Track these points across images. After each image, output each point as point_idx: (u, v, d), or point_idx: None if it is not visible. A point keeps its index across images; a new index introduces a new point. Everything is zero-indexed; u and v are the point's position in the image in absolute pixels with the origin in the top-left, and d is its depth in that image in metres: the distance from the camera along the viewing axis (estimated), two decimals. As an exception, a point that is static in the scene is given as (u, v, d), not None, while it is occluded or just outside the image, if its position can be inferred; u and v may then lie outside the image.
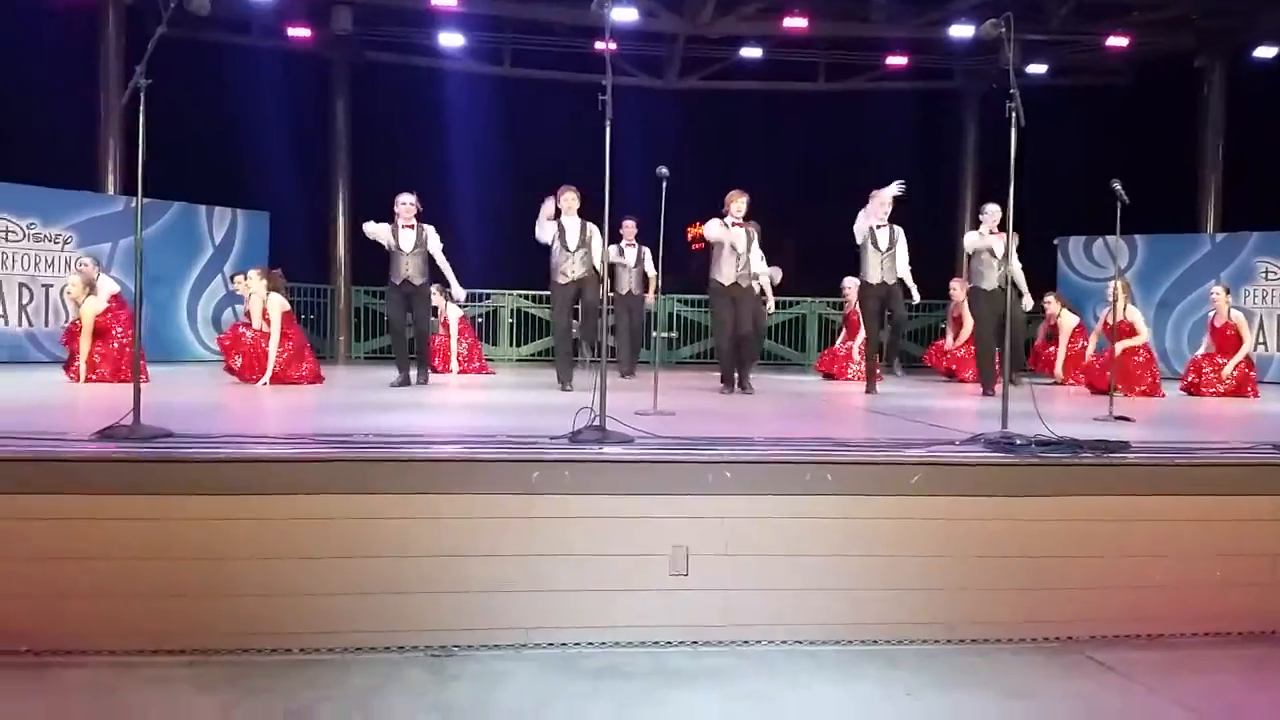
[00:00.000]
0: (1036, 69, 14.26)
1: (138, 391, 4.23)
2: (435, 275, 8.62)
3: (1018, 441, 4.29)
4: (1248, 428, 6.34)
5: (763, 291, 9.95)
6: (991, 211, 8.38)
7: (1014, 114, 4.77)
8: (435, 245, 8.43)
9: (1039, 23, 13.17)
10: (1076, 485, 3.98)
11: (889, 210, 8.38)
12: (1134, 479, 4.04)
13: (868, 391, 8.55)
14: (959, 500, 3.88)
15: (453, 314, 10.88)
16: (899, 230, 8.51)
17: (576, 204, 8.14)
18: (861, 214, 8.39)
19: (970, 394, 8.94)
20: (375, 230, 8.39)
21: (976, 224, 8.57)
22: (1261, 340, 11.94)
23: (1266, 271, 11.99)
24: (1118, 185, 6.74)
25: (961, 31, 13.26)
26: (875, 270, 8.41)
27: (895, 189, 8.32)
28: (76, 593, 3.44)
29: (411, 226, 8.36)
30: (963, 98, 15.97)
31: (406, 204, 8.35)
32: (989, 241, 8.35)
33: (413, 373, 8.54)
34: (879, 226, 8.38)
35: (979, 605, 3.82)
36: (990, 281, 8.33)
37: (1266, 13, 12.86)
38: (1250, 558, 4.00)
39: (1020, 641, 3.80)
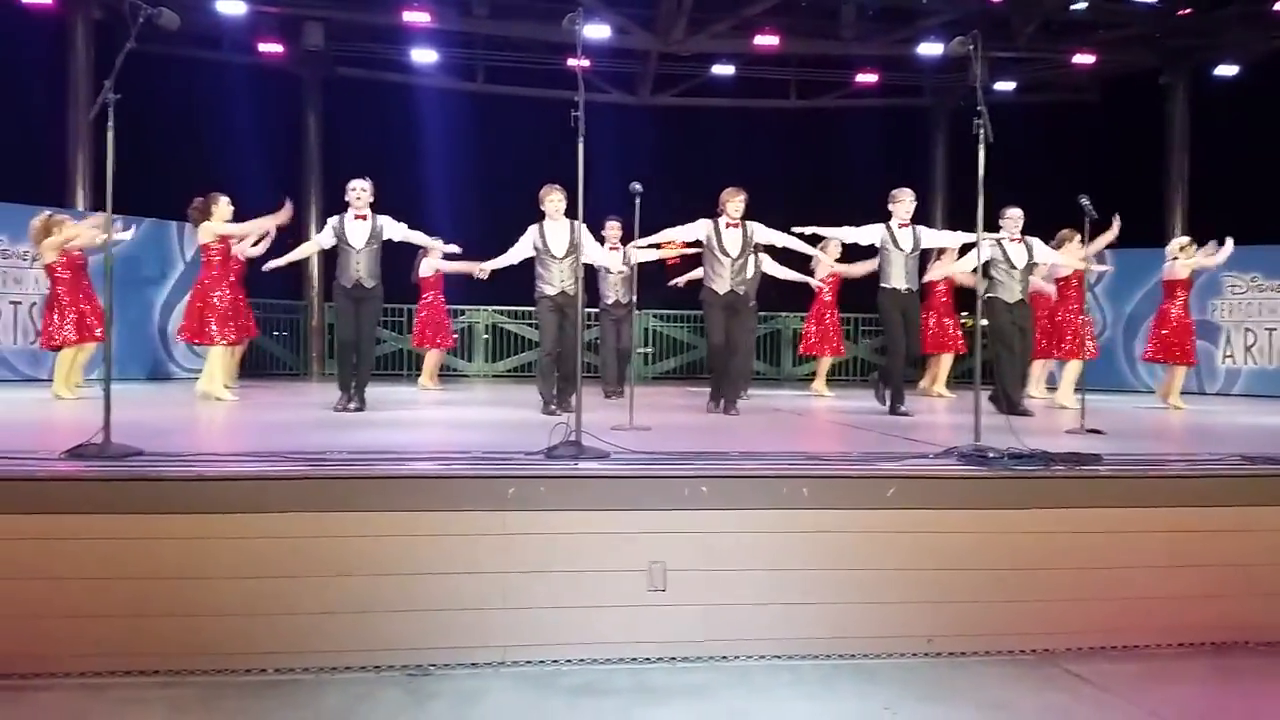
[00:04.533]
0: (1004, 86, 14.43)
1: (108, 410, 4.18)
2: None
3: (991, 455, 4.33)
4: (1217, 440, 6.42)
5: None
6: (1013, 215, 7.92)
7: (982, 130, 4.82)
8: (397, 231, 7.29)
9: (1006, 41, 13.33)
10: (1050, 498, 4.01)
11: (910, 210, 7.81)
12: (1106, 491, 4.08)
13: (893, 413, 7.53)
14: (934, 513, 3.90)
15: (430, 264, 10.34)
16: (922, 230, 7.87)
17: (563, 205, 7.16)
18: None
19: (942, 407, 8.99)
20: (322, 235, 7.34)
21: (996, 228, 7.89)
22: (1229, 354, 12.11)
23: (1231, 286, 12.16)
24: (1085, 201, 6.80)
25: (930, 49, 13.40)
26: (900, 275, 7.70)
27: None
28: (46, 613, 3.39)
29: (365, 217, 7.12)
30: (932, 115, 16.11)
31: (357, 189, 7.12)
32: (1001, 250, 7.84)
33: (352, 395, 7.29)
34: (901, 226, 7.76)
35: (956, 618, 3.84)
36: (1013, 293, 7.81)
37: (1228, 31, 13.12)
38: (1221, 568, 4.05)
39: (997, 654, 3.82)
